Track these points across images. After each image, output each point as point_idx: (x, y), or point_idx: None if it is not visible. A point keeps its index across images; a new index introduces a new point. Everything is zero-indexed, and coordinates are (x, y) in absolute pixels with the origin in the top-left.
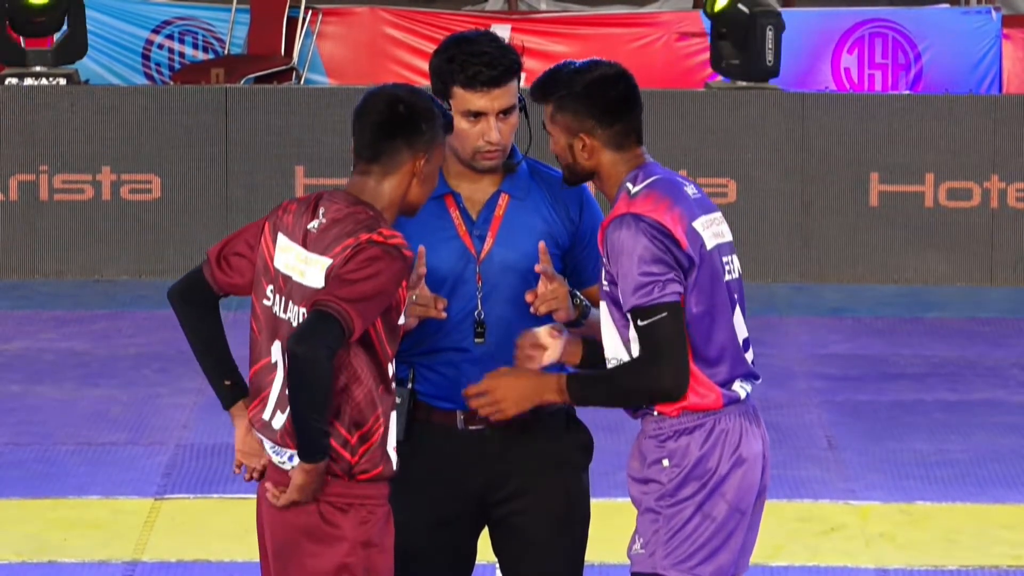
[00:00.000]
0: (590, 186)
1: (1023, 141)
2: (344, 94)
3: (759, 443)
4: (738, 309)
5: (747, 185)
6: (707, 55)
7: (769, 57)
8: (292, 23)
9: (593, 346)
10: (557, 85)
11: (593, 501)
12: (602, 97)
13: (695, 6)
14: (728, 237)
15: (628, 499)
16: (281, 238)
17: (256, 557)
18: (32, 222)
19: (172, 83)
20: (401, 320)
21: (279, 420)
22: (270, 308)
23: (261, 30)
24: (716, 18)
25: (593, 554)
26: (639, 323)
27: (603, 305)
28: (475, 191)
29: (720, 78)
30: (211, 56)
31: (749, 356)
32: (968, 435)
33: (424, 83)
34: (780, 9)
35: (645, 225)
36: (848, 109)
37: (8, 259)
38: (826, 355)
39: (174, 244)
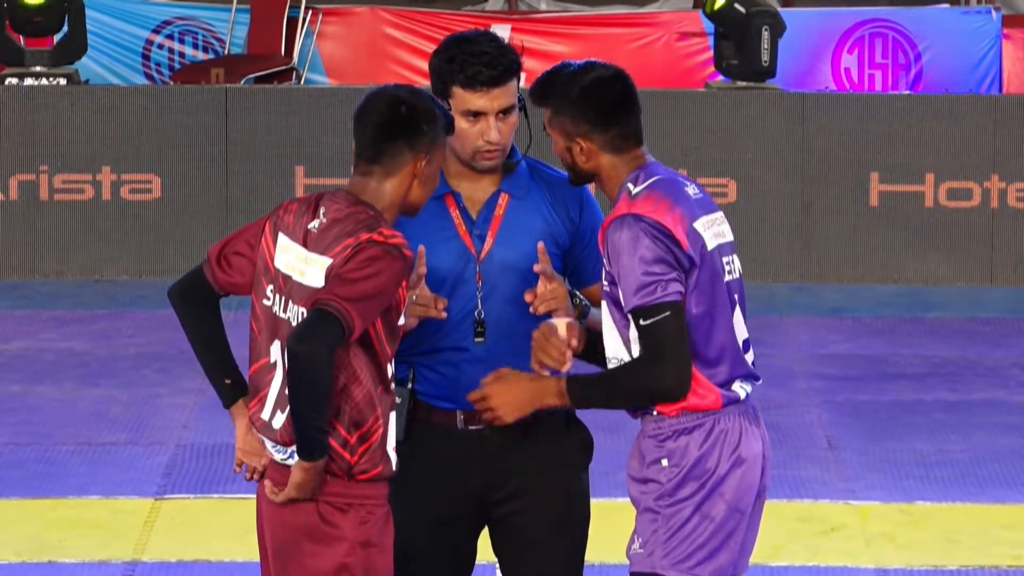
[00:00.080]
0: (591, 186)
1: (1023, 141)
2: (344, 94)
3: (759, 443)
4: (738, 309)
5: (747, 185)
6: (707, 55)
7: (765, 57)
8: (292, 23)
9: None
10: (553, 89)
11: (593, 501)
12: (598, 101)
13: (695, 6)
14: (729, 237)
15: (628, 499)
16: (282, 238)
17: (256, 557)
18: (32, 222)
19: (172, 83)
20: (401, 320)
21: (279, 420)
22: (270, 308)
23: (261, 30)
24: (713, 18)
25: (593, 554)
26: (641, 323)
27: (604, 305)
28: (475, 191)
29: (720, 78)
30: (211, 56)
31: (749, 357)
32: (968, 435)
33: (424, 83)
34: (780, 9)
35: (646, 225)
36: (848, 109)
37: (8, 259)
38: (826, 355)
39: (174, 244)
